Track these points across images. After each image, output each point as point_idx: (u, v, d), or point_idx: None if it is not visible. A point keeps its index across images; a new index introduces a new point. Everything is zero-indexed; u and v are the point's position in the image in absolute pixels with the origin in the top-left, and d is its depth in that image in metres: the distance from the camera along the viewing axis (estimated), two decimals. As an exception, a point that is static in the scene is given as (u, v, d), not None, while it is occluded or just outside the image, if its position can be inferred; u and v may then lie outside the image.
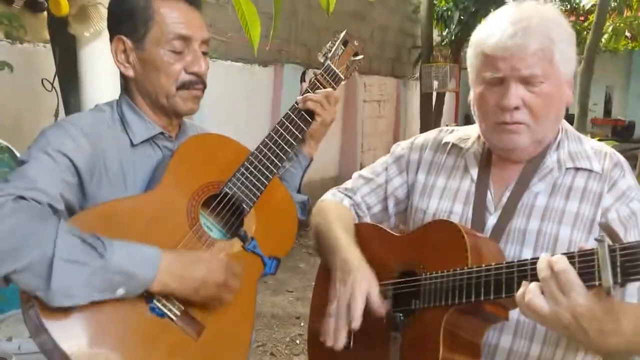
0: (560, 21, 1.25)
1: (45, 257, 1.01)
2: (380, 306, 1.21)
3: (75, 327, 1.05)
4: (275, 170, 1.35)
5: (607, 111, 12.00)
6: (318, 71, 1.47)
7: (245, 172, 1.31)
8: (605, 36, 7.69)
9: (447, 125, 8.34)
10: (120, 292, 1.07)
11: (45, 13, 2.42)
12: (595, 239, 0.94)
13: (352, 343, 1.23)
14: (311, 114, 1.43)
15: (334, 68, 1.49)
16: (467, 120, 12.39)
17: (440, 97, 8.14)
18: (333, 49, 1.50)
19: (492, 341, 1.24)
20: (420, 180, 1.44)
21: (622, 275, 0.91)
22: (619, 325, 1.00)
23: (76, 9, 1.61)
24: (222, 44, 5.15)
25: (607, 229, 0.95)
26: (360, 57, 1.55)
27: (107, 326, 1.08)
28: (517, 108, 1.21)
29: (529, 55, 1.19)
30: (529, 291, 0.99)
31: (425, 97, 7.98)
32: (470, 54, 1.30)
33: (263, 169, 1.33)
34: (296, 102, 1.43)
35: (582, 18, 8.81)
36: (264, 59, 5.73)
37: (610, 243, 0.93)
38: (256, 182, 1.31)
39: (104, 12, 1.67)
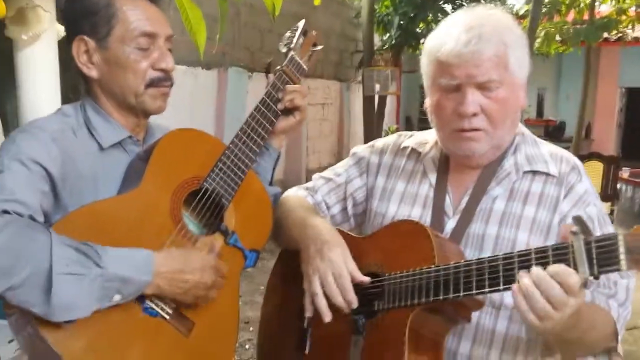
0: (512, 26, 1.25)
1: (43, 272, 0.98)
2: (362, 277, 1.19)
3: (73, 334, 1.03)
4: (250, 164, 1.33)
5: (540, 112, 12.48)
6: (283, 63, 1.42)
7: (222, 166, 1.29)
8: (538, 40, 8.04)
9: (388, 127, 8.43)
10: (117, 298, 1.06)
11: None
12: (571, 232, 0.95)
13: (309, 347, 1.23)
14: (280, 106, 1.39)
15: (298, 59, 1.44)
16: (408, 122, 12.67)
17: (382, 100, 8.29)
18: (295, 39, 1.45)
19: (451, 347, 1.23)
20: (379, 184, 1.43)
21: (598, 267, 0.93)
22: (580, 319, 1.02)
23: (13, 11, 1.55)
24: (163, 47, 5.06)
25: (580, 222, 0.95)
26: (320, 47, 1.51)
27: (104, 331, 1.07)
28: (474, 114, 1.21)
29: (484, 61, 1.19)
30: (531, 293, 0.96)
31: (367, 100, 8.10)
32: (425, 62, 1.29)
33: (239, 163, 1.31)
34: (267, 95, 1.38)
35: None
36: (208, 62, 5.67)
37: (584, 236, 0.94)
38: (233, 176, 1.29)
39: (43, 15, 1.61)
